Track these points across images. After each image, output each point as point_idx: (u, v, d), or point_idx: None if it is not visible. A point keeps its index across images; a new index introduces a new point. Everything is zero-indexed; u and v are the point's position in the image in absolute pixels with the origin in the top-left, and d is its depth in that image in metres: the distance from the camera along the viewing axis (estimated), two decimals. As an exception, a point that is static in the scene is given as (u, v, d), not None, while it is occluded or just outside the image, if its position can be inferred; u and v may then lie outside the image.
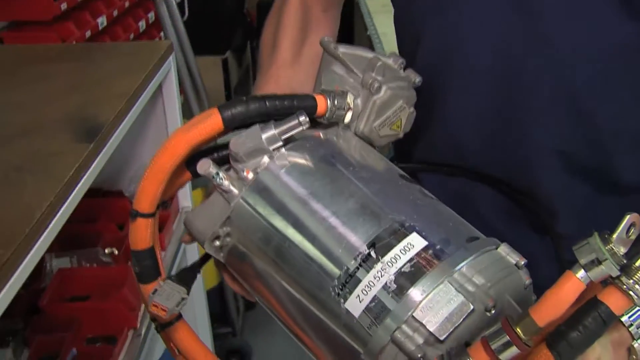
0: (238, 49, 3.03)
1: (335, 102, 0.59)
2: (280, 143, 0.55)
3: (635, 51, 0.68)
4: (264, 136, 0.54)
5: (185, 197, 1.60)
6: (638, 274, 0.43)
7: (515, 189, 0.76)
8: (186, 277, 0.58)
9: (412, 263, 0.48)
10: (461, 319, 0.46)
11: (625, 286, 0.43)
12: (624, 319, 0.47)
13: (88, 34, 1.76)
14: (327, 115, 0.59)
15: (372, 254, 0.49)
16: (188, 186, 1.57)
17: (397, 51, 0.80)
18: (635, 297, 0.44)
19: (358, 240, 0.50)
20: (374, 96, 0.61)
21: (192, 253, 1.62)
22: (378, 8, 2.52)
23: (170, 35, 1.78)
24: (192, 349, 0.61)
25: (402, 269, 0.48)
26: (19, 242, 0.79)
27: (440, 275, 0.47)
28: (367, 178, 0.56)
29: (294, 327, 0.55)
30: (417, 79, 0.64)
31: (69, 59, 1.38)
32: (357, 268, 0.49)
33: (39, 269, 1.31)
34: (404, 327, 0.46)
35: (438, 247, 0.49)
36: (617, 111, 0.70)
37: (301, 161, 0.56)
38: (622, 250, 0.44)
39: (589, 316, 0.44)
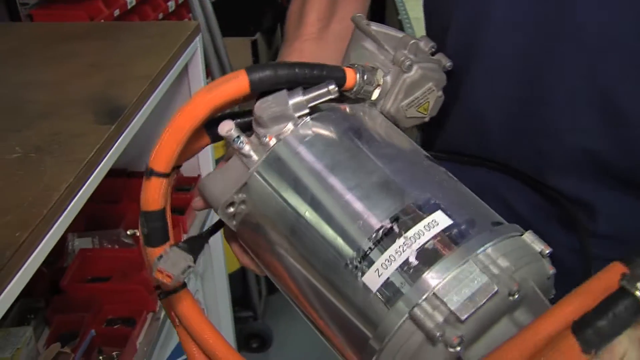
0: (268, 30, 3.00)
1: (365, 77, 0.57)
2: (307, 111, 0.52)
3: None
4: (291, 102, 0.52)
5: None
6: None
7: (540, 182, 0.73)
8: (194, 246, 0.55)
9: (435, 240, 0.46)
10: (484, 300, 0.43)
11: None
12: None
13: (117, 12, 1.75)
14: (354, 89, 0.57)
15: (395, 228, 0.47)
16: (211, 165, 1.56)
17: (426, 37, 0.78)
18: None
19: (381, 214, 0.48)
20: (405, 74, 0.59)
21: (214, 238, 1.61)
22: (411, -8, 2.47)
23: (198, 16, 1.76)
24: (193, 320, 0.58)
25: (425, 246, 0.46)
26: (36, 223, 0.79)
27: (465, 255, 0.45)
28: (391, 155, 0.54)
29: (306, 305, 0.53)
30: (448, 63, 0.62)
31: (95, 37, 1.37)
32: (378, 242, 0.47)
33: (62, 248, 1.31)
34: (424, 304, 0.44)
35: (463, 227, 0.47)
36: None
37: (325, 132, 0.54)
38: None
39: (621, 304, 0.40)
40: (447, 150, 0.80)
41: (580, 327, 0.41)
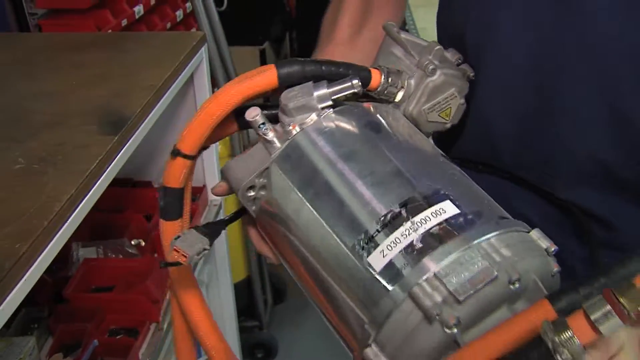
0: (276, 39, 3.01)
1: (390, 79, 0.60)
2: (330, 102, 0.55)
3: None
4: (315, 93, 0.55)
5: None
6: None
7: (550, 194, 0.73)
8: (212, 231, 0.58)
9: (441, 226, 0.47)
10: (483, 284, 0.44)
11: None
12: None
13: (124, 22, 1.76)
14: (379, 89, 0.59)
15: (403, 212, 0.48)
16: (217, 175, 1.56)
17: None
18: None
19: (390, 200, 0.49)
20: (428, 78, 0.62)
21: (219, 242, 1.61)
22: (419, 2, 2.47)
23: (204, 26, 1.77)
24: (188, 296, 0.63)
25: (431, 231, 0.47)
26: (37, 234, 0.79)
27: (468, 241, 0.46)
28: (408, 149, 0.56)
29: (316, 290, 0.54)
30: (472, 73, 0.65)
31: (101, 47, 1.38)
32: (385, 225, 0.48)
33: (66, 257, 1.32)
34: (424, 283, 0.45)
35: (470, 216, 0.48)
36: None
37: (345, 125, 0.56)
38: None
39: (535, 352, 0.42)
40: (459, 157, 0.80)
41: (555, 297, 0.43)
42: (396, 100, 0.61)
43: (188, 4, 2.13)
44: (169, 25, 2.01)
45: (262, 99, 0.59)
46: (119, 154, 1.00)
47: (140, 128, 1.07)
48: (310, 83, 0.55)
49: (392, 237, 0.48)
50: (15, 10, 1.62)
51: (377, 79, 0.59)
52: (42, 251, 0.80)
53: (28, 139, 1.00)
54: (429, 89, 0.62)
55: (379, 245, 0.48)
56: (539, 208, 0.75)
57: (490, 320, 0.46)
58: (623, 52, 0.64)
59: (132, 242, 1.35)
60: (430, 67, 0.61)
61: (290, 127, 0.55)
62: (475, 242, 0.46)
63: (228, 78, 1.96)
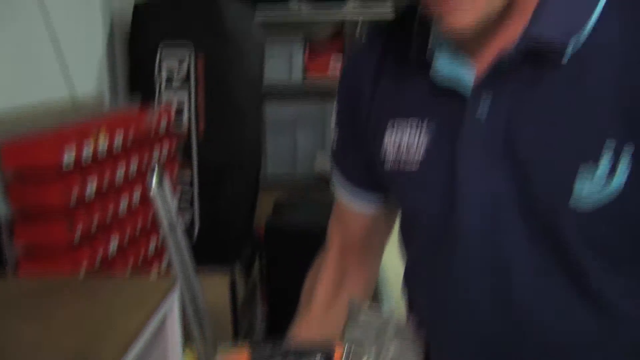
0: (247, 259, 3.08)
1: (350, 356, 0.72)
2: None
3: None
4: None
5: None
6: None
7: None
8: None
9: None
10: None
11: None
12: None
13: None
14: None
15: None
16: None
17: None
18: None
19: None
20: (385, 352, 0.74)
21: None
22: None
23: (176, 264, 1.82)
24: None
25: None
26: None
27: None
28: None
29: None
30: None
31: (73, 293, 1.40)
32: None
33: None
34: None
35: None
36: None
37: None
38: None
39: None
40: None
41: None
42: None
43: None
44: (141, 258, 2.07)
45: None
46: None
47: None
48: None
49: None
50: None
51: (338, 356, 0.72)
52: None
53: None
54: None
55: None
56: None
57: None
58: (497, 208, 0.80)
59: None
60: (386, 343, 0.74)
61: None
62: None
63: (197, 311, 1.97)
